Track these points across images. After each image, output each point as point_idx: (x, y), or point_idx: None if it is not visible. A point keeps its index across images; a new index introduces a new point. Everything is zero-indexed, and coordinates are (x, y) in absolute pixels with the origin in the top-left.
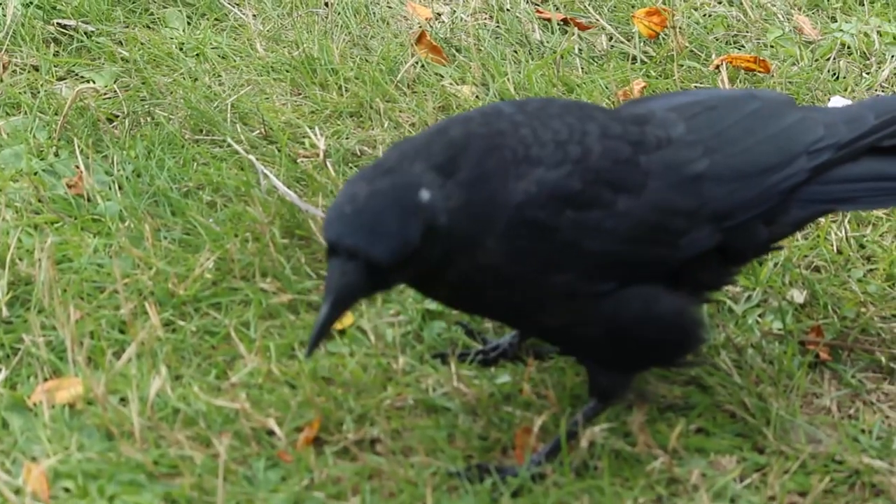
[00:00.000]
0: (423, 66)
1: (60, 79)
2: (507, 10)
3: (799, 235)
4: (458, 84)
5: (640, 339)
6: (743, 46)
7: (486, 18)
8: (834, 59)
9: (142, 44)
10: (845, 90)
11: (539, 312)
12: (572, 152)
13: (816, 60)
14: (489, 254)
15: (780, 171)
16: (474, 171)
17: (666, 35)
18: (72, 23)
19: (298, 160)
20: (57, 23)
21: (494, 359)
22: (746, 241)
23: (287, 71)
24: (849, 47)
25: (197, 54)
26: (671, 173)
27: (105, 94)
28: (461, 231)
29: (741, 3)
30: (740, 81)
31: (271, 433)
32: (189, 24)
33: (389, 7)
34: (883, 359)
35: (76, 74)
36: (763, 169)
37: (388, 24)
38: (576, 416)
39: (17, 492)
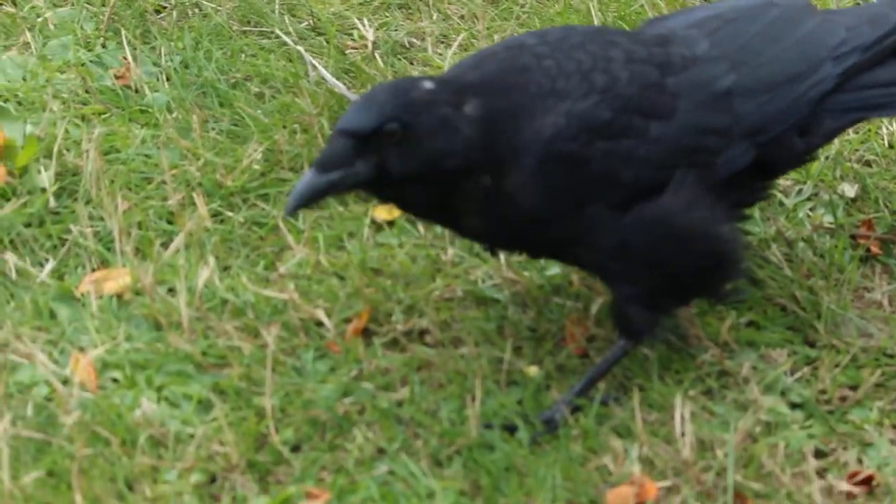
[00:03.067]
0: None
1: None
2: None
3: (850, 130)
4: None
5: (677, 259)
6: None
7: None
8: None
9: None
10: None
11: (573, 245)
12: (598, 81)
13: None
14: (519, 189)
15: (807, 79)
16: (501, 101)
17: None
18: None
19: (347, 52)
20: None
21: None
22: (782, 154)
23: None
24: None
25: None
26: (700, 92)
27: None
28: (481, 148)
29: None
30: None
31: (320, 324)
32: None
33: None
34: None
35: None
36: (790, 78)
37: None
38: (604, 357)
39: (65, 382)
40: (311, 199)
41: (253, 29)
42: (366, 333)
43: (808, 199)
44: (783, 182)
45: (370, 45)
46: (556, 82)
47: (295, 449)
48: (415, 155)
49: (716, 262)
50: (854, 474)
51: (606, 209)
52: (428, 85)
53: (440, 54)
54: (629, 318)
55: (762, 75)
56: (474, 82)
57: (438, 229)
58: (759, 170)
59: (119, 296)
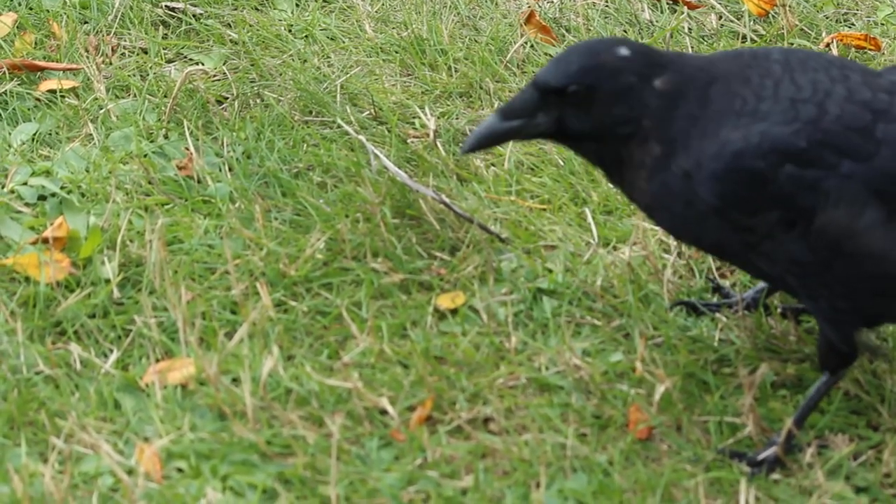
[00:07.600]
0: (532, 46)
1: (169, 61)
2: None
3: None
4: None
5: (852, 276)
6: (853, 24)
7: None
8: None
9: (250, 26)
10: None
11: (747, 251)
12: (805, 112)
13: None
14: (694, 185)
15: None
16: (704, 97)
17: (776, 13)
18: (180, 5)
19: (408, 140)
20: (165, 5)
21: (736, 311)
22: None
23: (396, 52)
24: None
25: (306, 36)
26: None
27: (214, 76)
28: (659, 121)
29: None
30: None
31: (384, 412)
32: (297, 5)
33: None
34: None
35: (185, 57)
36: None
37: (496, 4)
38: (810, 392)
39: (130, 472)
40: (490, 142)
41: (314, 119)
42: (430, 422)
43: None
44: None
45: (431, 133)
46: (762, 104)
47: None
48: (592, 117)
49: (890, 280)
50: None
51: (779, 223)
52: (623, 52)
53: None
54: (826, 347)
55: None
56: (681, 63)
57: (501, 316)
58: None
59: (183, 386)
